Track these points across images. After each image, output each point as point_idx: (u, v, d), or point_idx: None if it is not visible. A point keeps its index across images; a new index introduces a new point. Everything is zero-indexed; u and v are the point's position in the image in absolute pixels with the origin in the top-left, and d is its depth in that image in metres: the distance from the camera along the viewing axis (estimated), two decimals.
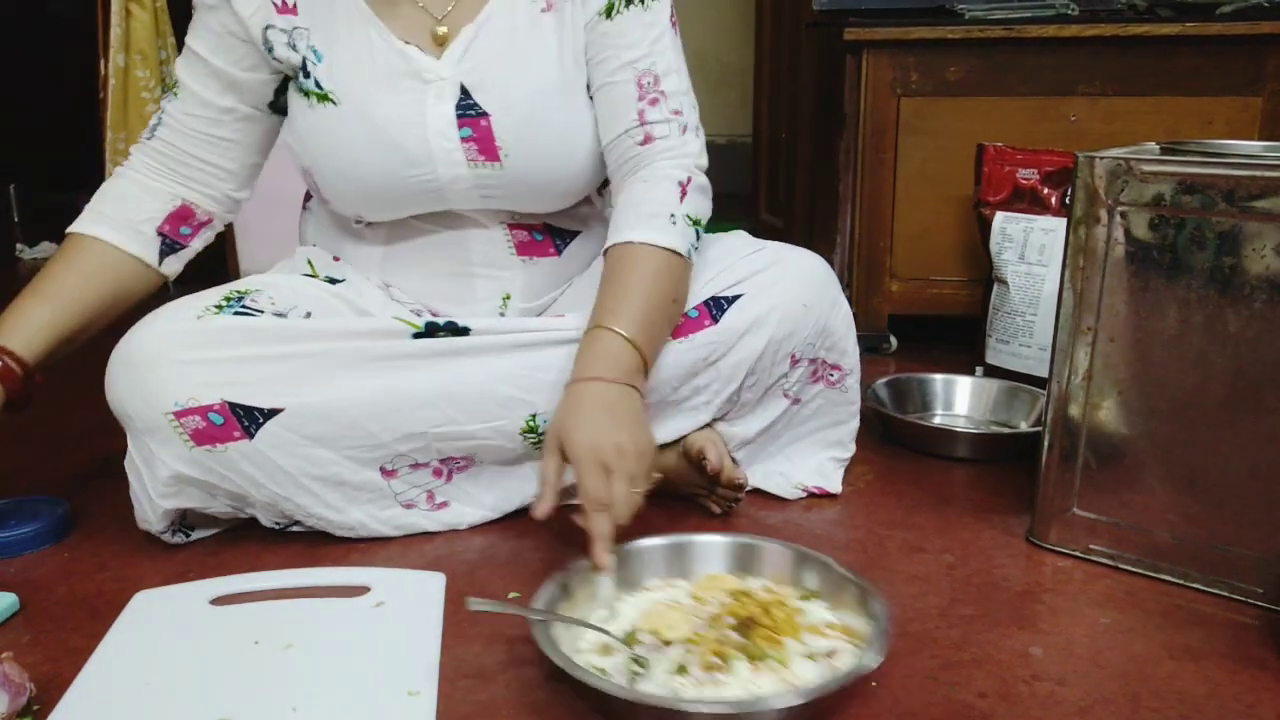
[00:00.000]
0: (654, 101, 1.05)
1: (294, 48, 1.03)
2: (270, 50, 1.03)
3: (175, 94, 1.07)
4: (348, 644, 0.85)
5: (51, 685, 0.80)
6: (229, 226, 2.07)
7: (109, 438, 1.15)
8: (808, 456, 1.18)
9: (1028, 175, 1.60)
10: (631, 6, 1.04)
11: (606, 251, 1.02)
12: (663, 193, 1.02)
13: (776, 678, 0.77)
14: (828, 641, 0.81)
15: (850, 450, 1.20)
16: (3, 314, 1.01)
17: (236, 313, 1.01)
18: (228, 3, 1.02)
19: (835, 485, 1.18)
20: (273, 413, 0.97)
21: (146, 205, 1.06)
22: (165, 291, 1.10)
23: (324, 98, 1.03)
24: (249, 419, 0.97)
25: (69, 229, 1.06)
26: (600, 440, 0.88)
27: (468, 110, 1.02)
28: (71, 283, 1.03)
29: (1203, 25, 1.59)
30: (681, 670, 0.77)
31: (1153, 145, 1.06)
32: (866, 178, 1.75)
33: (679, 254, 1.00)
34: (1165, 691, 0.80)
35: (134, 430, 0.98)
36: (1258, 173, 0.87)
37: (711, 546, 0.94)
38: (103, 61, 2.33)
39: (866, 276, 1.79)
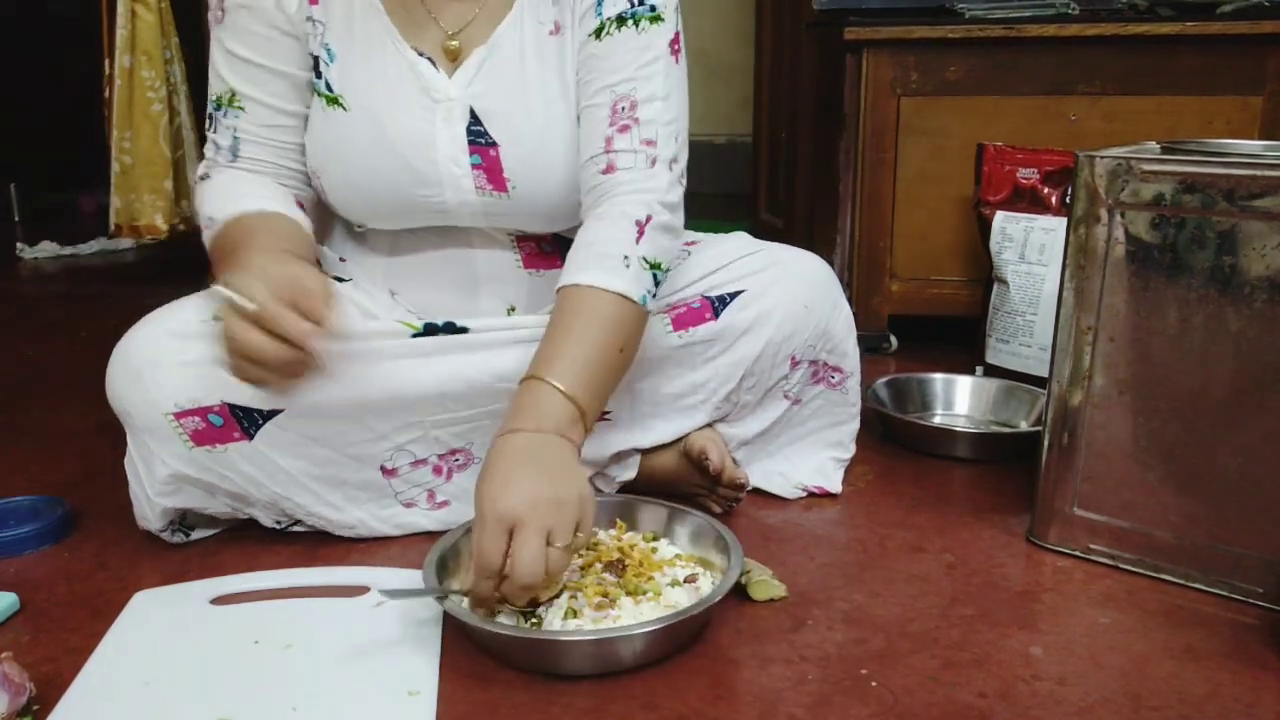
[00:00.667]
0: (624, 129, 0.98)
1: (313, 40, 1.01)
2: (306, 42, 1.00)
3: (239, 108, 1.01)
4: (347, 644, 0.85)
5: (51, 685, 0.80)
6: None
7: (109, 438, 1.15)
8: (807, 456, 1.18)
9: (1028, 175, 1.60)
10: (624, 28, 0.99)
11: (557, 293, 0.95)
12: (618, 231, 0.94)
13: (658, 605, 0.84)
14: (685, 569, 0.91)
15: (850, 451, 1.20)
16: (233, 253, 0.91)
17: None
18: None
19: (835, 485, 1.18)
20: (272, 413, 0.97)
21: (274, 191, 1.02)
22: (166, 289, 1.10)
23: (334, 101, 1.01)
24: (248, 420, 0.97)
25: (216, 217, 0.96)
26: (507, 494, 0.79)
27: (478, 137, 1.01)
28: (292, 232, 0.97)
29: (1203, 25, 1.59)
30: (572, 614, 0.83)
31: (1153, 145, 1.06)
32: (866, 178, 1.75)
33: (631, 300, 0.92)
34: (1165, 691, 0.80)
35: (133, 429, 0.98)
36: (1258, 172, 0.87)
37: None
38: (108, 62, 2.34)
39: (866, 276, 1.79)
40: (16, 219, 3.34)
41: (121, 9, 2.28)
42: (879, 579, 0.98)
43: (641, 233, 0.95)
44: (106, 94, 2.36)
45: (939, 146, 1.71)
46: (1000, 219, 1.60)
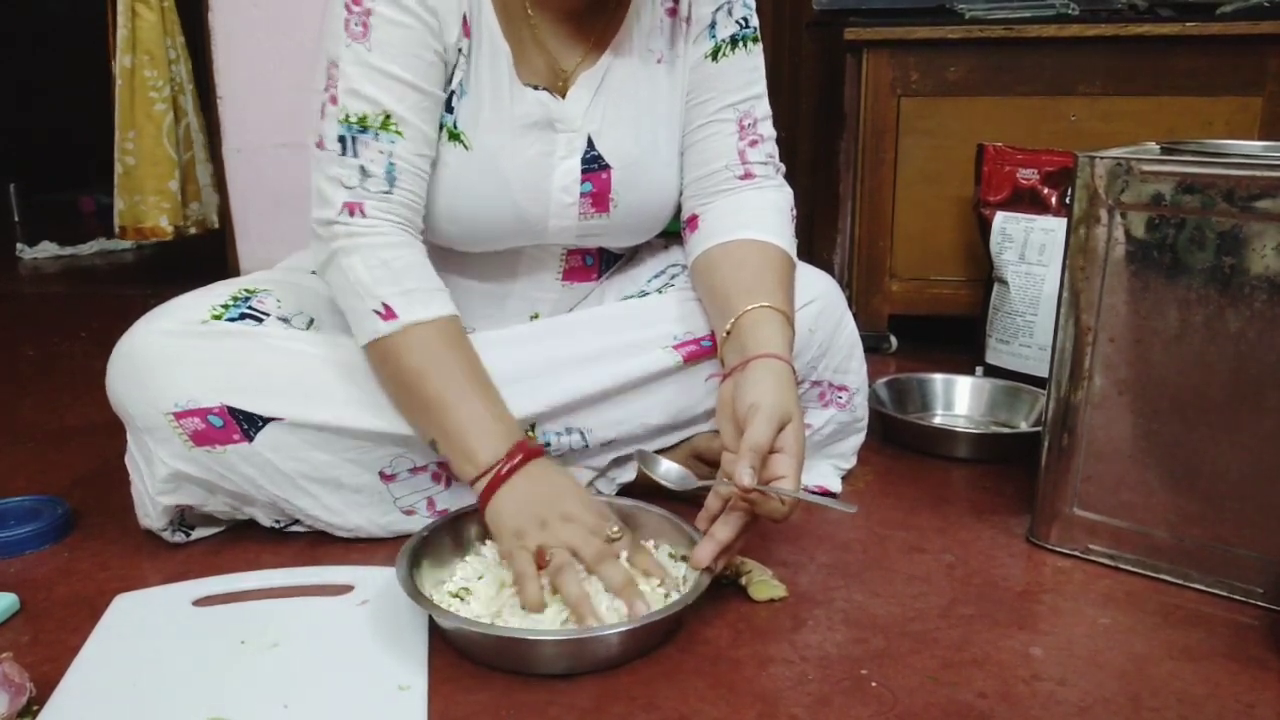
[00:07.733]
0: (754, 143, 1.07)
1: (455, 71, 0.98)
2: (447, 71, 0.97)
3: (397, 133, 0.93)
4: (335, 641, 0.85)
5: (51, 685, 0.80)
6: (229, 225, 2.08)
7: (109, 438, 1.16)
8: (809, 464, 1.17)
9: (1028, 175, 1.60)
10: (736, 50, 1.05)
11: (732, 244, 1.02)
12: (785, 202, 1.09)
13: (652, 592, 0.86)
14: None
15: (851, 462, 1.21)
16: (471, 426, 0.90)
17: (243, 313, 1.01)
18: (438, 19, 0.94)
19: (835, 485, 1.18)
20: (271, 418, 0.97)
21: (432, 273, 0.97)
22: (166, 289, 1.10)
23: (456, 137, 0.99)
24: (248, 422, 0.97)
25: (400, 313, 0.92)
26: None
27: (592, 164, 1.02)
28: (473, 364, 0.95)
29: (1203, 25, 1.59)
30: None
31: (1153, 145, 1.06)
32: (866, 178, 1.75)
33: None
34: (1165, 691, 0.80)
35: (134, 428, 0.98)
36: (1258, 173, 0.87)
37: None
38: (112, 62, 2.34)
39: (866, 276, 1.79)
40: (16, 219, 3.34)
41: (122, 8, 2.27)
42: (879, 579, 0.98)
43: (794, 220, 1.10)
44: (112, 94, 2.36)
45: (939, 146, 1.71)
46: (1000, 219, 1.60)
